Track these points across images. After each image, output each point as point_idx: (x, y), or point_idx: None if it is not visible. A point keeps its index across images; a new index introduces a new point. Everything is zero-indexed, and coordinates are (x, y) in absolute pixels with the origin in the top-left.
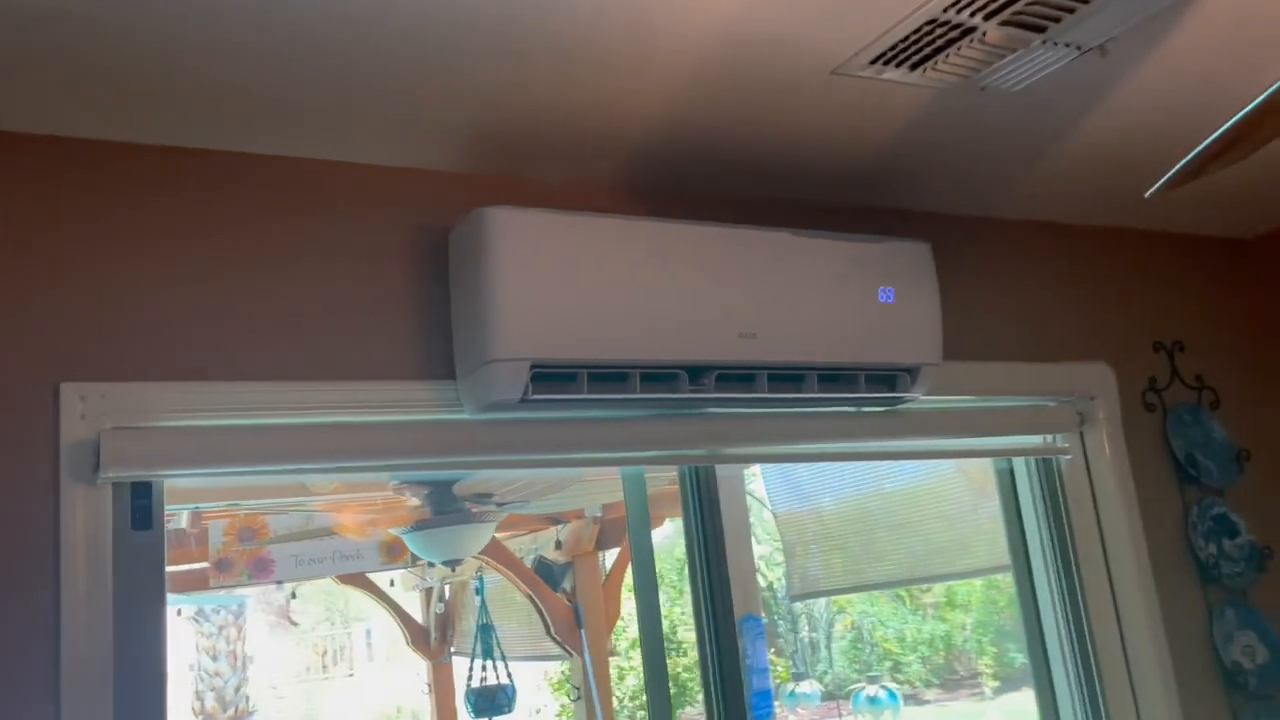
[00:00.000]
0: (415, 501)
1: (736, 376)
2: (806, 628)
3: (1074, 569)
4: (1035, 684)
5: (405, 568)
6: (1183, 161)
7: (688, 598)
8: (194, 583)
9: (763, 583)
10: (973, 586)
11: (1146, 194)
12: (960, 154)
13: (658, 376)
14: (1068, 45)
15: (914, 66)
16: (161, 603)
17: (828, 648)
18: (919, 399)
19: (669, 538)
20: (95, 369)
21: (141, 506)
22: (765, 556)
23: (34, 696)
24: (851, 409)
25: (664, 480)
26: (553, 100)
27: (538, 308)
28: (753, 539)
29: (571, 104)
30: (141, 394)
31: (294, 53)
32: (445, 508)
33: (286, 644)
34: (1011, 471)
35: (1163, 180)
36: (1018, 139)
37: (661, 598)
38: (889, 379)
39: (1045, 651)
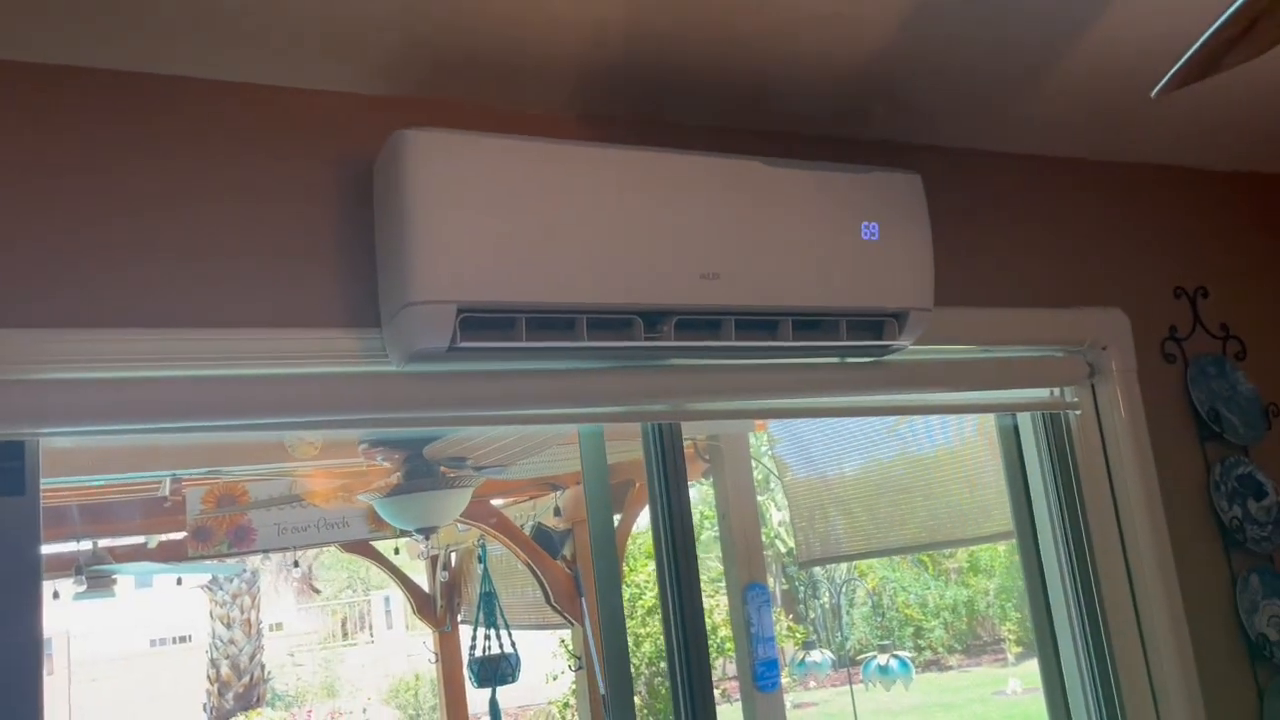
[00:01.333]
0: (387, 466)
1: (699, 323)
2: (828, 595)
3: (1084, 533)
4: (1039, 657)
5: (391, 536)
6: (1190, 50)
7: (703, 564)
8: (178, 553)
9: (783, 549)
10: (995, 552)
11: (1152, 93)
12: (953, 75)
13: (608, 323)
14: None
15: None
16: (36, 577)
17: (848, 614)
18: (908, 348)
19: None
20: None
21: (11, 469)
22: (786, 522)
23: None
24: (833, 359)
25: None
26: (492, 13)
27: (466, 244)
28: (773, 505)
29: (513, 17)
30: (12, 342)
31: None
32: (417, 473)
33: (309, 611)
34: (1016, 429)
35: (1169, 75)
36: (1016, 55)
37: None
38: (874, 326)
39: (1051, 622)
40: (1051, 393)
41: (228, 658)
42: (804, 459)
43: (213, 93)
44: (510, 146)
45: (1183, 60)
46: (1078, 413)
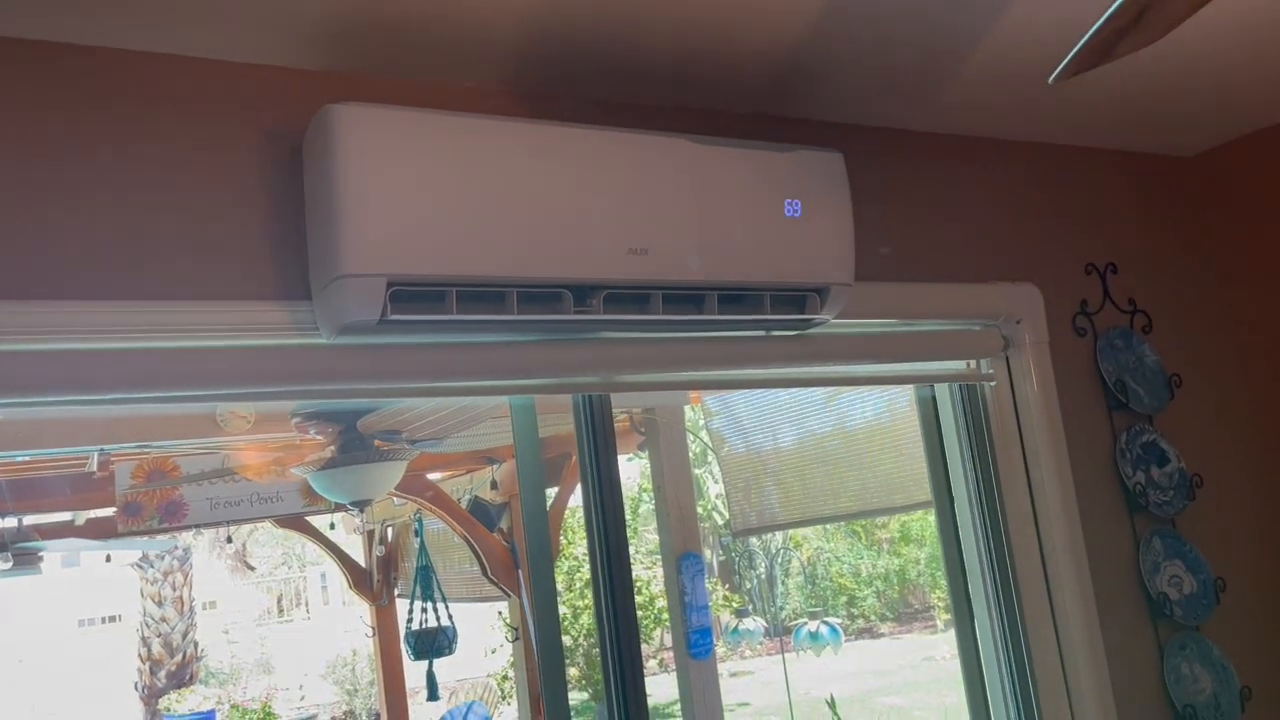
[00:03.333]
0: (320, 440)
1: (628, 297)
2: (763, 565)
3: (998, 500)
4: (955, 622)
5: (326, 510)
6: (1083, 39)
7: (638, 536)
8: (106, 530)
9: (720, 521)
10: (926, 521)
11: (1050, 79)
12: (875, 55)
13: (538, 296)
14: None
15: None
16: None
17: (783, 583)
18: (830, 321)
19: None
20: None
21: None
22: (723, 495)
23: None
24: (759, 333)
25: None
26: None
27: (395, 218)
28: (710, 478)
29: None
30: None
31: None
32: (351, 446)
33: (244, 588)
34: (934, 400)
35: (1064, 62)
36: (934, 36)
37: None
38: (797, 300)
39: (967, 588)
40: (968, 364)
41: (159, 636)
42: (739, 432)
43: (141, 64)
44: (439, 121)
45: (1077, 48)
46: (993, 384)
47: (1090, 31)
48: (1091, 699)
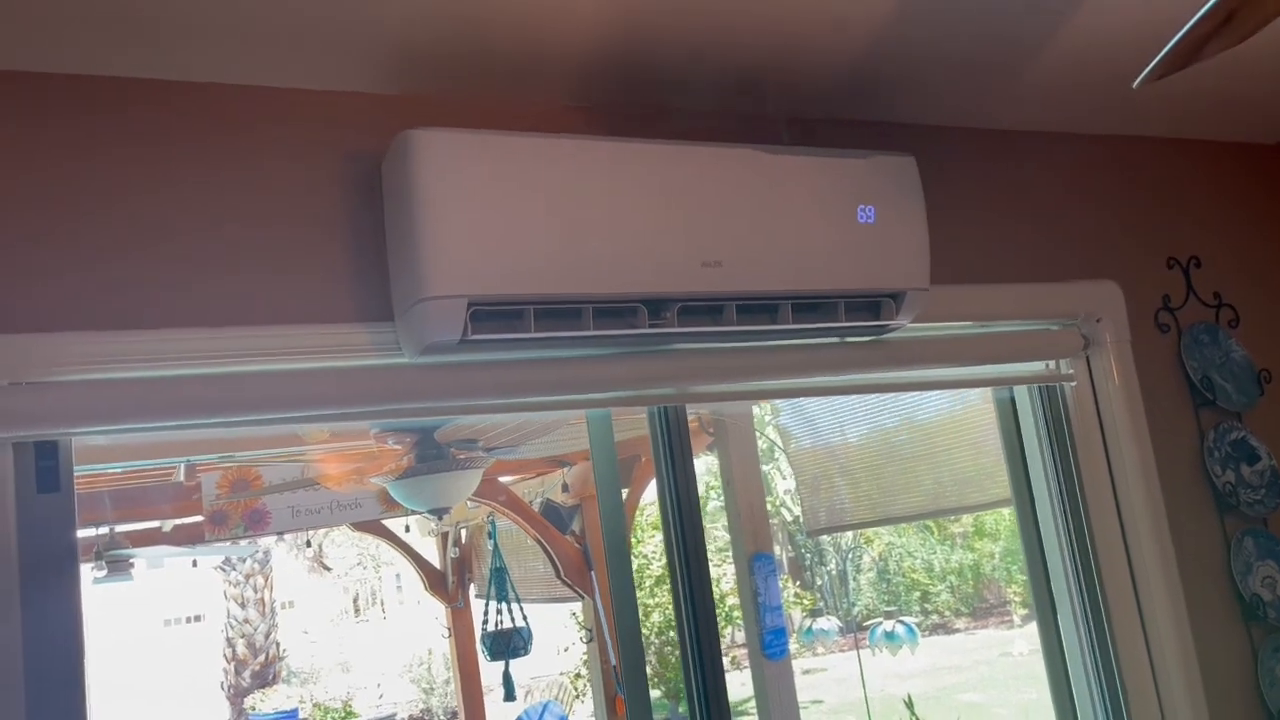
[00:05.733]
0: (398, 449)
1: (702, 309)
2: (834, 561)
3: (1080, 501)
4: (1039, 620)
5: (402, 515)
6: (1171, 43)
7: (709, 534)
8: (193, 536)
9: (789, 517)
10: (1000, 516)
11: (1134, 84)
12: (945, 56)
13: (614, 311)
14: None
15: None
16: (74, 571)
17: (855, 580)
18: (906, 326)
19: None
20: None
21: (47, 468)
22: (792, 490)
23: None
24: (833, 339)
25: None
26: (492, 10)
27: (474, 239)
28: (778, 474)
29: (513, 14)
30: (43, 346)
31: None
32: (429, 455)
33: (321, 589)
34: (1013, 401)
35: (1150, 66)
36: (1006, 34)
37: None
38: (872, 306)
39: (1050, 587)
40: (1047, 365)
41: (243, 637)
42: (808, 428)
43: (221, 96)
44: (513, 143)
45: (1164, 52)
46: (1073, 384)
47: (1179, 35)
48: (1182, 701)
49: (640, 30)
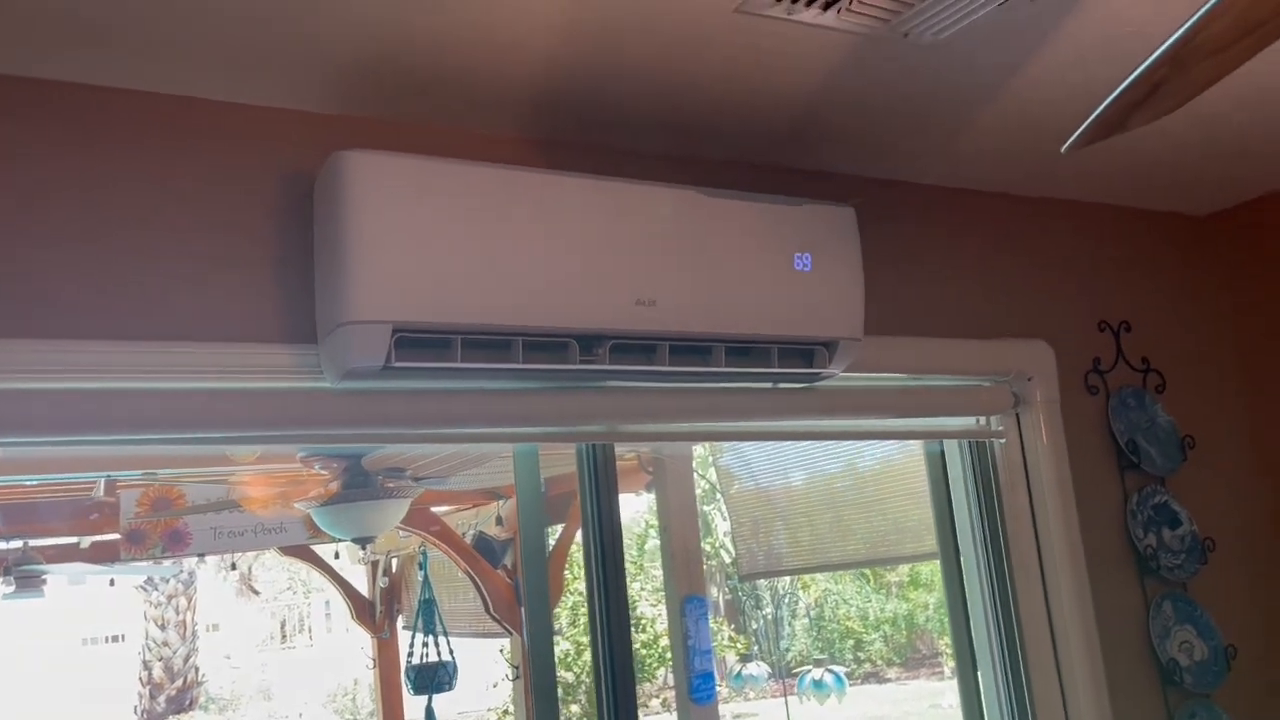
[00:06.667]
0: (325, 475)
1: (635, 347)
2: (770, 605)
3: (1004, 558)
4: (959, 674)
5: (330, 541)
6: (1096, 111)
7: (645, 573)
8: (111, 553)
9: (728, 558)
10: (935, 567)
11: (1063, 149)
12: (886, 111)
13: (545, 345)
14: None
15: (826, 5)
16: None
17: (789, 625)
18: (838, 375)
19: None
20: None
21: None
22: (739, 532)
23: None
24: (766, 385)
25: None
26: (435, 37)
27: (402, 265)
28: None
29: (455, 42)
30: None
31: None
32: (356, 482)
33: (248, 613)
34: (943, 455)
35: (1077, 133)
36: (946, 95)
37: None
38: (805, 353)
39: (971, 643)
40: (977, 421)
41: (161, 659)
42: (749, 471)
43: (156, 105)
44: (449, 170)
45: (1091, 119)
46: (1002, 441)
47: (1104, 104)
48: None
49: (587, 67)
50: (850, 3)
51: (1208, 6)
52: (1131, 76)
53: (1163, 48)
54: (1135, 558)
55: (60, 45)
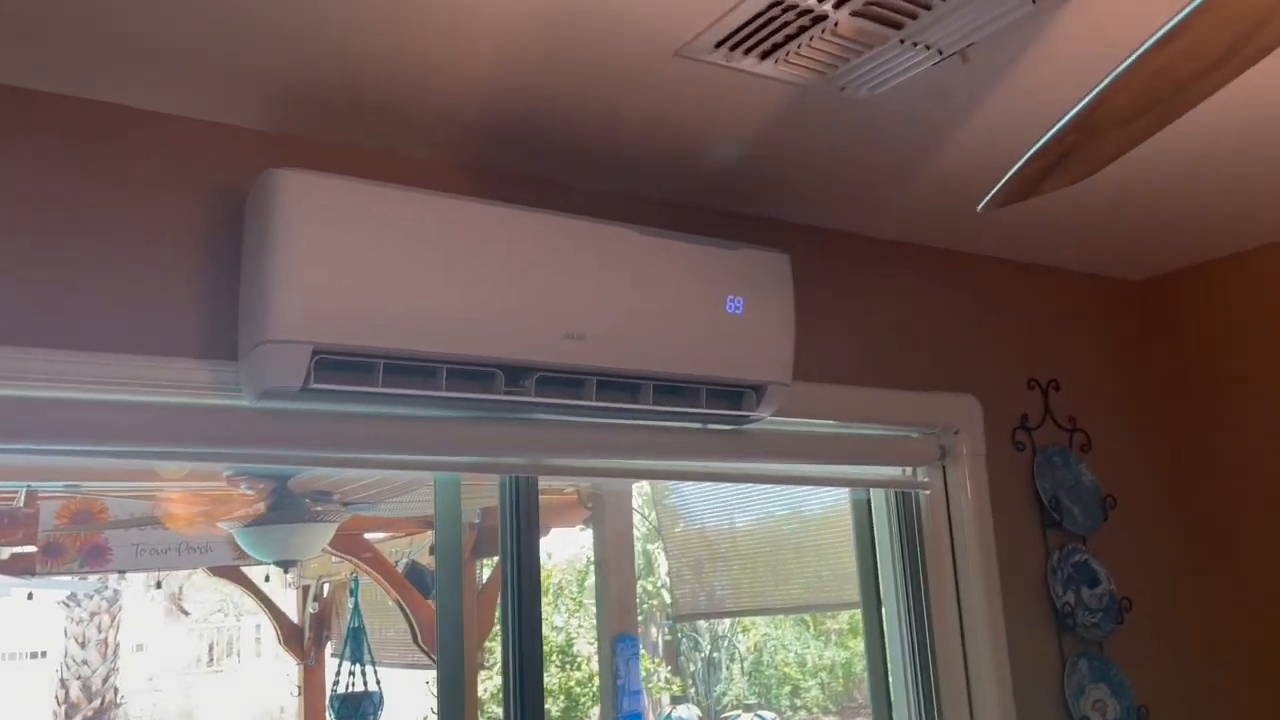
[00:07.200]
0: (250, 495)
1: (562, 381)
2: (707, 647)
3: (925, 608)
4: None
5: (258, 563)
6: (1007, 176)
7: (585, 610)
8: (23, 566)
9: (669, 599)
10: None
11: (978, 208)
12: (823, 161)
13: (470, 374)
14: (928, 47)
15: (765, 55)
16: None
17: (726, 669)
18: (767, 419)
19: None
20: None
21: None
22: (677, 573)
23: None
24: (695, 425)
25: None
26: (374, 62)
27: (326, 286)
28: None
29: (398, 65)
30: None
31: None
32: (282, 504)
33: (176, 634)
34: (869, 503)
35: (991, 194)
36: (881, 149)
37: (559, 610)
38: (734, 395)
39: (889, 691)
40: (903, 471)
41: (79, 679)
42: (693, 512)
43: (86, 112)
44: (381, 194)
45: (1002, 182)
46: (927, 492)
47: (1015, 167)
48: None
49: (526, 99)
50: (787, 53)
51: (1110, 77)
52: (1040, 143)
53: (1069, 116)
54: (1054, 614)
55: None
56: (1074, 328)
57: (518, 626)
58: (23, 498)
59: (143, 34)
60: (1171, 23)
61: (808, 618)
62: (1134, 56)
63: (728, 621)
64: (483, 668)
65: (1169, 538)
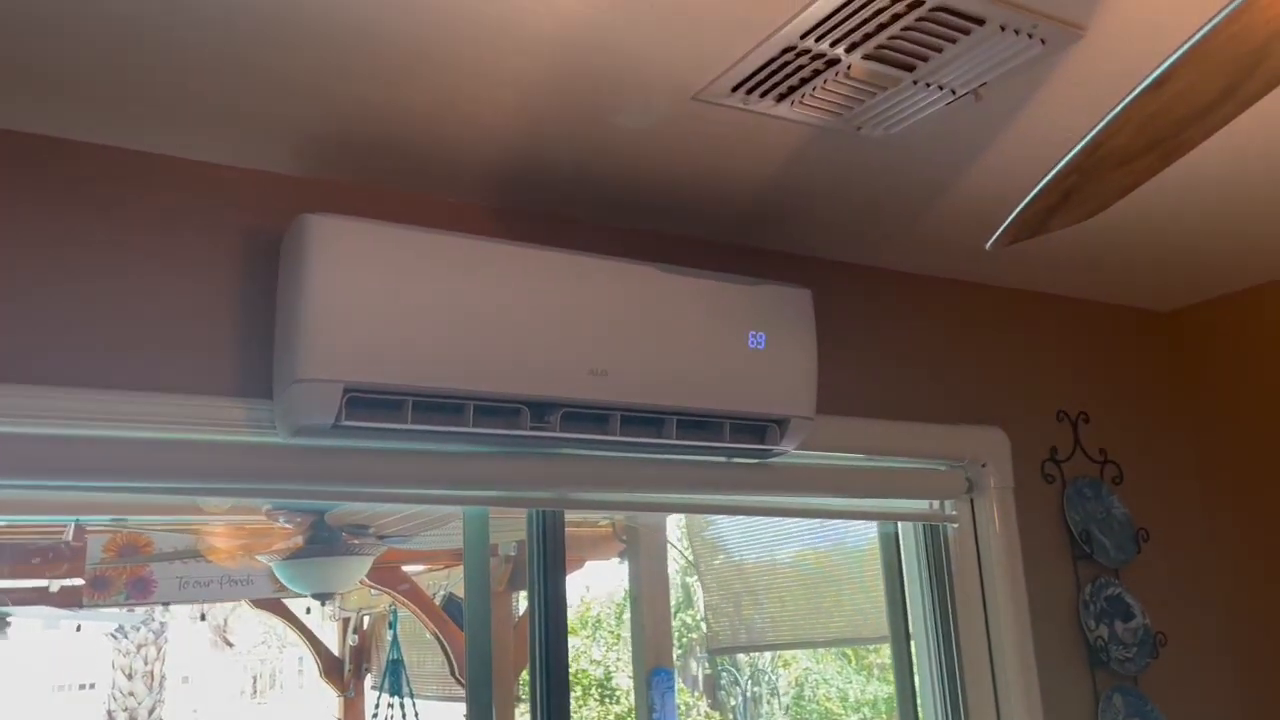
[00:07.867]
0: (289, 529)
1: (586, 416)
2: (748, 682)
3: (954, 644)
4: None
5: (298, 595)
6: (1013, 214)
7: (624, 643)
8: (71, 599)
9: (708, 631)
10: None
11: (987, 246)
12: (843, 198)
13: (497, 410)
14: (940, 88)
15: (780, 98)
16: None
17: (768, 704)
18: (791, 453)
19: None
20: None
21: None
22: (714, 606)
23: None
24: (719, 459)
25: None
26: (405, 105)
27: (358, 326)
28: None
29: (426, 111)
30: None
31: (115, 38)
32: (320, 537)
33: (221, 664)
34: (896, 535)
35: (998, 233)
36: (899, 186)
37: (598, 643)
38: (757, 429)
39: None
40: (931, 504)
41: (126, 710)
42: (731, 545)
43: (127, 162)
44: (410, 237)
45: (1009, 220)
46: (955, 526)
47: (1019, 207)
48: None
49: (549, 143)
50: (803, 96)
51: (1105, 120)
52: (1042, 183)
53: (1069, 156)
54: (1086, 649)
55: (23, 96)
56: (1102, 359)
57: (545, 659)
58: (71, 532)
59: (185, 92)
60: (1158, 70)
61: (849, 652)
62: (1127, 100)
63: (768, 655)
64: (519, 700)
65: (1203, 571)
